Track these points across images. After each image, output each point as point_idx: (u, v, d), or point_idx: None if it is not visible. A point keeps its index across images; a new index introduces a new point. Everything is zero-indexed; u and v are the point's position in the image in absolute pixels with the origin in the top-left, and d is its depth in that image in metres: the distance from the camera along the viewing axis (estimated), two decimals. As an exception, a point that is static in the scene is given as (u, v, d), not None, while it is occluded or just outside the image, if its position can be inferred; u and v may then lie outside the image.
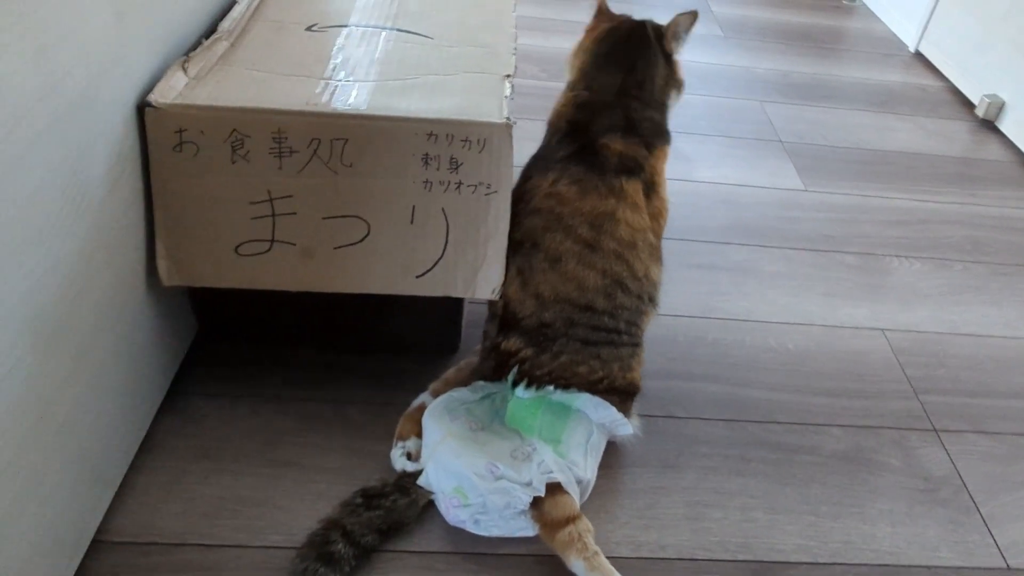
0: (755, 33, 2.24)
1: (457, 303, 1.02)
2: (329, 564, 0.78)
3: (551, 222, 0.88)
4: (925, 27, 2.19)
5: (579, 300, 0.87)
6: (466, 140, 0.84)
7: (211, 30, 0.99)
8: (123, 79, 0.79)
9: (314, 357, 1.04)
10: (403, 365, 1.02)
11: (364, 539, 0.81)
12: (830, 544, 0.89)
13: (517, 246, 0.88)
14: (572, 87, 0.98)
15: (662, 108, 0.98)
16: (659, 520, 0.89)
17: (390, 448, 0.92)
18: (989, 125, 1.88)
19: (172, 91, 0.84)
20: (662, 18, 1.02)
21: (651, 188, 0.93)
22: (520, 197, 0.90)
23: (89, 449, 0.78)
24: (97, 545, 0.80)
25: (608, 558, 0.82)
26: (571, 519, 0.81)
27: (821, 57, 2.15)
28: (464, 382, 0.95)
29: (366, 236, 0.88)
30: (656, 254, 0.93)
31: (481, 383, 0.95)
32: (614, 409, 0.89)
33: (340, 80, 0.91)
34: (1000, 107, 1.86)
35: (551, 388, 0.89)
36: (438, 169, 0.85)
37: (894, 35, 2.34)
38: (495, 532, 0.84)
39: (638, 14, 1.03)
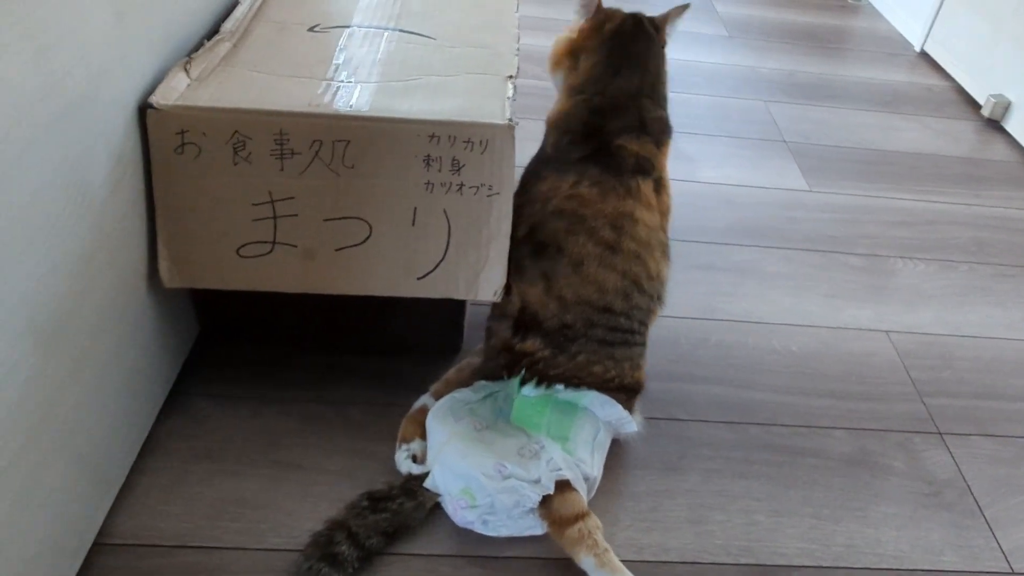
0: (760, 33, 2.23)
1: (459, 304, 1.02)
2: (333, 565, 0.78)
3: (574, 224, 0.87)
4: (931, 26, 2.18)
5: (599, 302, 0.87)
6: (468, 141, 0.84)
7: (213, 31, 0.98)
8: (124, 80, 0.79)
9: (316, 358, 1.04)
10: (405, 366, 1.02)
11: (369, 542, 0.81)
12: (833, 548, 0.89)
13: (542, 249, 0.88)
14: (581, 90, 0.96)
15: (666, 102, 0.99)
16: (661, 523, 0.89)
17: (392, 450, 0.92)
18: (995, 125, 1.87)
19: (174, 92, 0.84)
20: (656, 12, 1.02)
21: (660, 186, 0.94)
22: (537, 197, 0.90)
23: (90, 450, 0.78)
24: (98, 547, 0.80)
25: (611, 562, 0.83)
26: (580, 516, 0.82)
27: (826, 57, 2.14)
28: (465, 382, 0.95)
29: (368, 238, 0.87)
30: (666, 252, 0.94)
31: (483, 382, 0.94)
32: (620, 407, 0.90)
33: (342, 81, 0.91)
34: (1006, 107, 1.85)
35: (560, 387, 0.89)
36: (440, 170, 0.85)
37: (900, 34, 2.33)
38: (504, 532, 0.84)
39: (635, 7, 1.03)
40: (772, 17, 2.36)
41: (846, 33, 2.33)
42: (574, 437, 0.88)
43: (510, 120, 0.85)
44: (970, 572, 0.89)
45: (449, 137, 0.84)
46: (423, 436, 0.92)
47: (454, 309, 1.02)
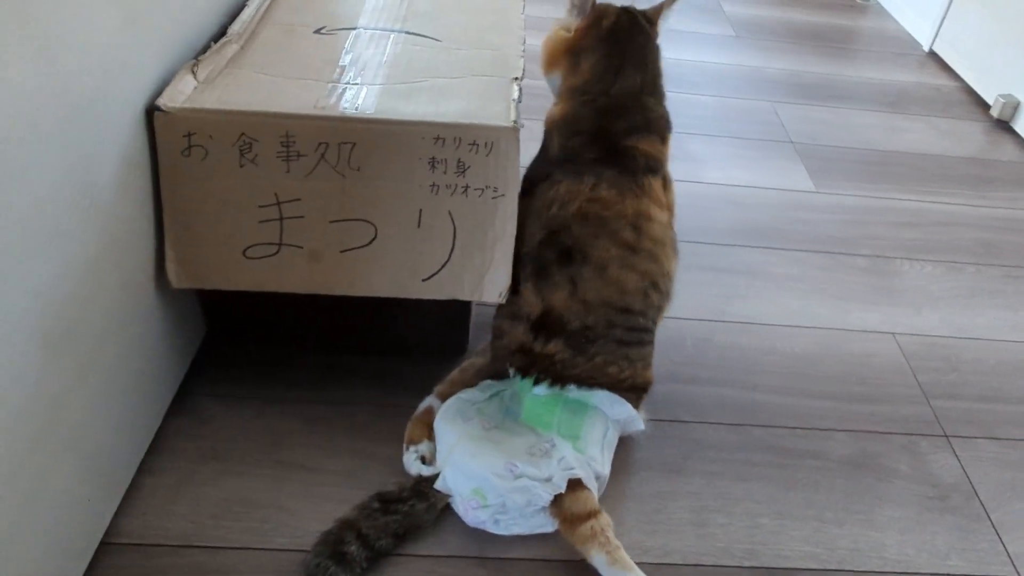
0: (767, 33, 2.23)
1: (464, 305, 1.02)
2: (341, 564, 0.79)
3: (598, 228, 0.88)
4: (940, 26, 2.17)
5: (619, 303, 0.88)
6: (473, 144, 0.84)
7: (221, 33, 0.99)
8: (132, 83, 0.80)
9: (321, 359, 1.04)
10: (410, 367, 1.02)
11: (379, 543, 0.81)
12: (837, 551, 0.89)
13: (568, 256, 0.87)
14: (584, 91, 0.95)
15: (664, 97, 0.99)
16: (665, 525, 0.89)
17: (396, 451, 0.92)
18: (1004, 125, 1.86)
19: (181, 95, 0.84)
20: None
21: (667, 182, 0.95)
22: (554, 200, 0.89)
23: (98, 450, 0.78)
24: (105, 546, 0.81)
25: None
26: (592, 514, 0.82)
27: (834, 57, 2.14)
28: (469, 383, 0.95)
29: (373, 239, 0.88)
30: (676, 248, 0.95)
31: (489, 381, 0.95)
32: (630, 406, 0.91)
33: (348, 83, 0.92)
34: (1015, 107, 1.84)
35: (572, 387, 0.90)
36: (445, 172, 0.85)
37: (908, 34, 2.32)
38: (515, 530, 0.84)
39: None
40: (779, 17, 2.35)
41: (854, 33, 2.32)
42: (585, 436, 0.89)
43: (515, 122, 0.85)
44: (975, 576, 0.89)
45: (454, 139, 0.84)
46: (430, 437, 0.92)
47: (459, 310, 1.03)
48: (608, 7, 0.99)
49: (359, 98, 0.88)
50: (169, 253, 0.87)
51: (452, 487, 0.85)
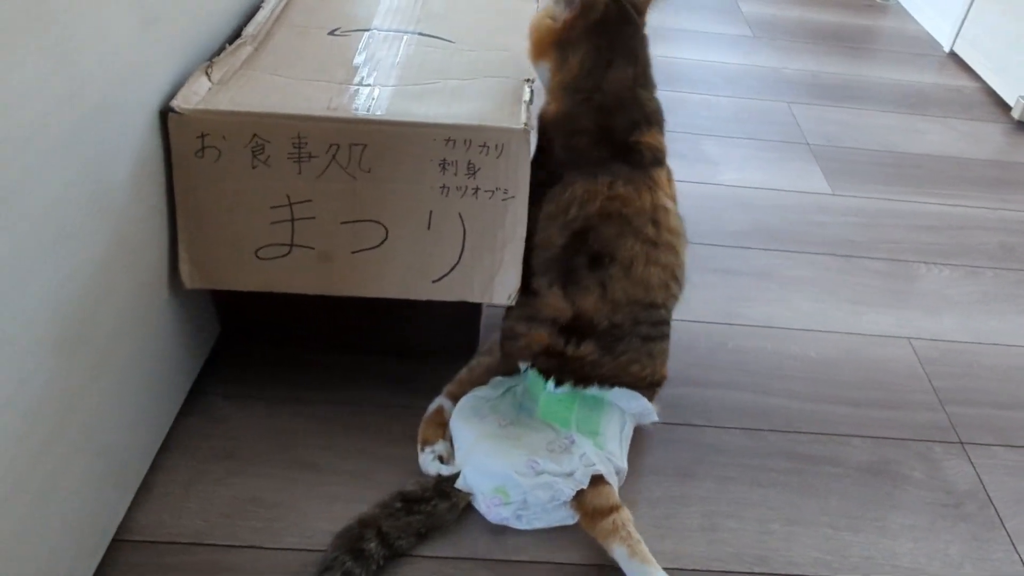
0: (785, 33, 2.21)
1: (475, 306, 1.02)
2: (358, 560, 0.79)
3: (622, 227, 0.88)
4: (960, 26, 2.14)
5: (645, 299, 0.89)
6: (484, 145, 0.84)
7: (235, 35, 0.99)
8: (147, 85, 0.80)
9: (333, 360, 1.05)
10: (421, 368, 1.02)
11: (398, 542, 0.82)
12: (849, 558, 0.88)
13: (597, 260, 0.87)
14: (576, 88, 0.92)
15: (655, 88, 0.96)
16: (675, 530, 0.89)
17: (407, 451, 0.92)
18: (1025, 127, 1.83)
19: (195, 96, 0.85)
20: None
21: (669, 173, 0.96)
22: (571, 202, 0.88)
23: (111, 448, 0.79)
24: (117, 543, 0.81)
25: (618, 569, 0.82)
26: (613, 508, 0.84)
27: (852, 57, 2.11)
28: (478, 382, 0.96)
29: (384, 241, 0.88)
30: (686, 237, 0.95)
31: (499, 378, 0.96)
32: (645, 400, 0.92)
33: (361, 85, 0.92)
34: (1037, 109, 1.81)
35: (594, 387, 0.90)
36: (455, 174, 0.85)
37: (928, 34, 2.30)
38: (537, 524, 0.86)
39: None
40: (798, 17, 2.33)
41: (873, 33, 2.30)
42: (604, 432, 0.90)
43: (525, 124, 0.85)
44: (990, 585, 0.88)
45: (465, 141, 0.84)
46: (445, 437, 0.92)
47: (469, 311, 1.02)
48: None
49: (371, 99, 0.89)
50: (182, 254, 0.87)
51: (473, 486, 0.86)
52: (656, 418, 0.94)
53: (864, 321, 1.22)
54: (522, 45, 1.05)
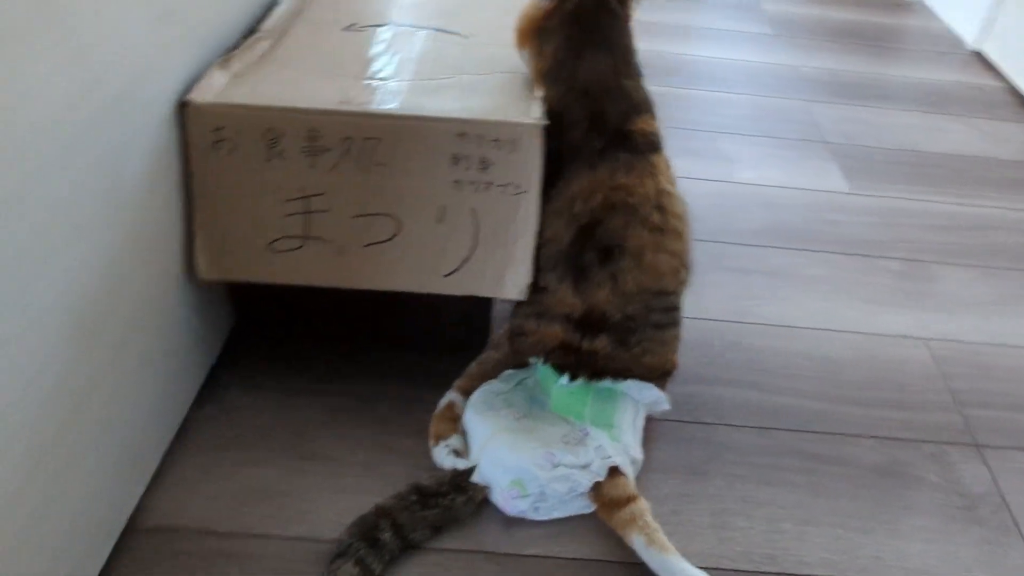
0: (805, 31, 2.19)
1: (487, 301, 1.02)
2: (373, 547, 0.80)
3: (629, 217, 0.87)
4: (986, 24, 2.11)
5: (655, 287, 0.88)
6: (496, 140, 0.85)
7: (253, 30, 1.00)
8: (164, 78, 0.81)
9: (346, 352, 1.05)
10: (432, 362, 1.03)
11: (413, 535, 0.83)
12: (859, 559, 0.87)
13: (608, 254, 0.87)
14: (554, 78, 0.92)
15: (643, 78, 0.96)
16: (684, 527, 0.88)
17: (417, 444, 0.93)
18: (1050, 128, 1.80)
19: (211, 90, 0.86)
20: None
21: (667, 160, 0.95)
22: (577, 195, 0.88)
23: (126, 436, 0.80)
24: (131, 530, 0.83)
25: (628, 564, 0.83)
26: (630, 499, 0.85)
27: (874, 56, 2.09)
28: (488, 376, 0.96)
29: (396, 234, 0.88)
30: (689, 219, 0.95)
31: (509, 372, 0.96)
32: (657, 389, 0.92)
33: (376, 80, 0.92)
34: (1062, 109, 1.78)
35: (607, 380, 0.90)
36: (468, 169, 0.86)
37: (952, 33, 2.27)
38: (555, 515, 0.87)
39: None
40: (819, 15, 2.31)
41: (896, 31, 2.27)
42: (618, 423, 0.90)
43: (538, 119, 0.85)
44: (1003, 589, 0.86)
45: (478, 136, 0.84)
46: (457, 431, 0.93)
47: (481, 306, 1.03)
48: None
49: (386, 94, 0.89)
50: (197, 245, 0.88)
51: (490, 479, 0.86)
52: (667, 406, 0.94)
53: (879, 321, 1.21)
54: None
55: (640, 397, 0.93)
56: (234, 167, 0.86)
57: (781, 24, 2.22)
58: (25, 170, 0.60)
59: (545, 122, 0.85)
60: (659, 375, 0.93)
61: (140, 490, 0.85)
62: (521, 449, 0.87)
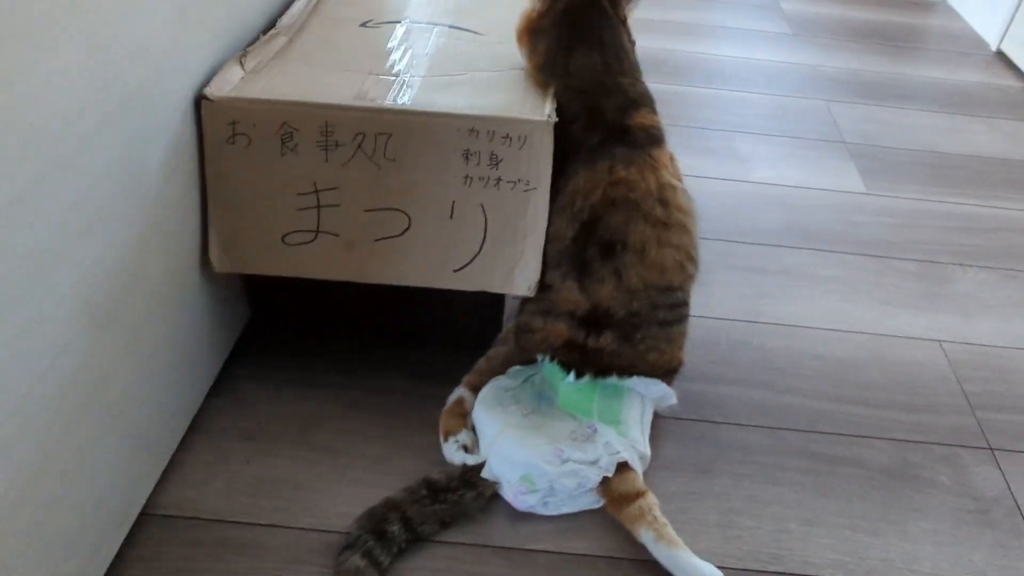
0: (826, 31, 2.17)
1: (498, 296, 1.02)
2: (381, 540, 0.81)
3: (630, 212, 0.88)
4: (1009, 24, 2.08)
5: (660, 282, 0.89)
6: (507, 136, 0.85)
7: (270, 26, 1.02)
8: (182, 74, 0.83)
9: (358, 347, 1.06)
10: (443, 357, 1.04)
11: (422, 528, 0.83)
12: (867, 560, 0.87)
13: (609, 249, 0.87)
14: (550, 73, 0.93)
15: (640, 73, 0.97)
16: (690, 525, 0.88)
17: (426, 439, 0.93)
18: (1073, 129, 1.78)
19: (228, 84, 0.87)
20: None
21: (671, 155, 0.96)
22: (577, 192, 0.89)
23: (141, 426, 0.82)
24: (145, 517, 0.84)
25: (636, 561, 0.83)
26: (639, 494, 0.85)
27: (895, 56, 2.07)
28: (496, 371, 0.97)
29: (406, 229, 0.89)
30: (695, 213, 0.95)
31: (517, 368, 0.97)
32: (664, 384, 0.93)
33: (390, 76, 0.93)
34: (1087, 110, 1.76)
35: (613, 377, 0.91)
36: (478, 165, 0.86)
37: (975, 33, 2.24)
38: (564, 510, 0.87)
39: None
40: (840, 15, 2.29)
41: (918, 31, 2.25)
42: (625, 419, 0.91)
43: (549, 116, 0.85)
44: (1014, 594, 0.86)
45: (488, 132, 0.85)
46: (466, 427, 0.93)
47: (493, 302, 1.03)
48: None
49: (399, 90, 0.90)
50: (212, 238, 0.90)
51: (499, 475, 0.87)
52: (675, 401, 0.94)
53: (894, 322, 1.20)
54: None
55: (647, 392, 0.93)
56: (249, 161, 0.87)
57: (801, 23, 2.20)
58: (46, 162, 0.62)
59: (555, 119, 0.86)
60: (665, 372, 0.93)
61: (154, 479, 0.87)
62: (530, 445, 0.87)
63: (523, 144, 0.85)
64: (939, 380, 1.11)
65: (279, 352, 1.05)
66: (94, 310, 0.70)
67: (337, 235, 0.89)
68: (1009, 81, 1.98)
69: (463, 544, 0.85)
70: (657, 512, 0.84)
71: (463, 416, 0.95)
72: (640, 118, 0.91)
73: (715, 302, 1.19)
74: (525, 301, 0.94)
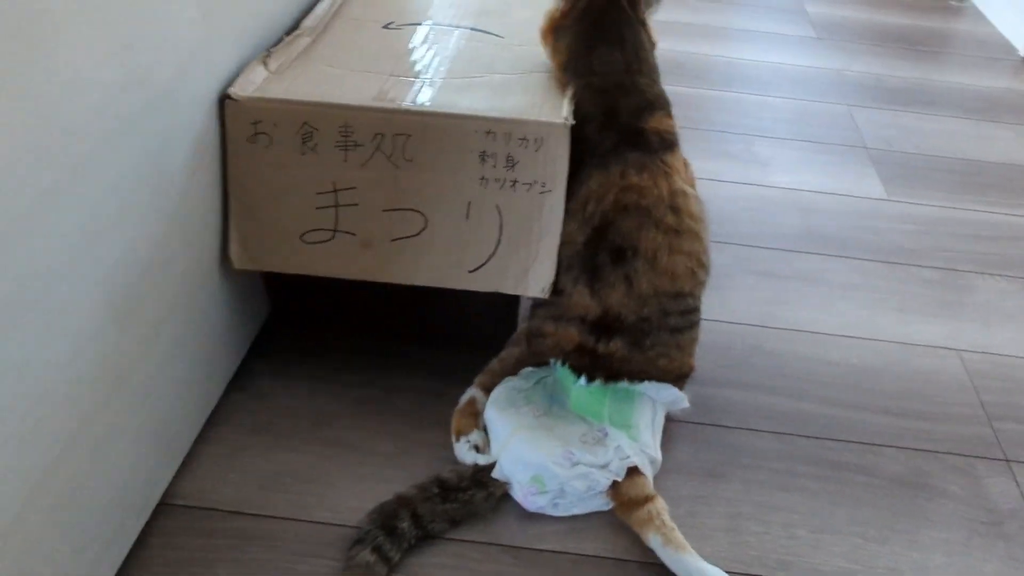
0: (851, 35, 2.15)
1: (514, 297, 1.03)
2: (391, 536, 0.82)
3: (642, 218, 0.88)
4: (1039, 30, 2.05)
5: (671, 289, 0.89)
6: (523, 139, 0.86)
7: (295, 27, 1.03)
8: (207, 73, 0.84)
9: (374, 345, 1.08)
10: (456, 357, 1.04)
11: (432, 525, 0.85)
12: (876, 569, 0.86)
13: (620, 254, 0.88)
14: (575, 72, 0.94)
15: (658, 75, 0.98)
16: (698, 530, 0.89)
17: (438, 437, 0.95)
18: (1103, 137, 1.75)
19: (251, 84, 0.89)
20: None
21: (685, 160, 0.96)
22: (590, 196, 0.89)
23: (160, 418, 0.84)
24: (163, 507, 0.86)
25: (643, 563, 0.84)
26: (648, 499, 0.86)
27: (920, 60, 2.05)
28: (508, 372, 0.97)
29: (423, 230, 0.90)
30: (707, 220, 0.95)
31: (529, 369, 0.97)
32: (675, 389, 0.93)
33: (410, 77, 0.94)
34: (1116, 118, 1.73)
35: (624, 382, 0.91)
36: (495, 166, 0.87)
37: (1004, 38, 2.21)
38: (573, 511, 0.88)
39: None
40: (865, 19, 2.27)
41: (945, 36, 2.22)
42: (636, 423, 0.91)
43: (566, 119, 0.86)
44: (1025, 608, 0.85)
45: (505, 134, 0.86)
46: (478, 427, 0.94)
47: (508, 302, 1.04)
48: None
49: (419, 91, 0.91)
50: (232, 235, 0.91)
51: (510, 475, 0.88)
52: (687, 404, 0.95)
53: (911, 330, 1.19)
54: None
55: (659, 397, 0.93)
56: (270, 160, 0.88)
57: (825, 27, 2.19)
58: (73, 158, 0.63)
59: (572, 122, 0.86)
60: (676, 378, 0.94)
61: (172, 470, 0.89)
62: (541, 447, 0.88)
63: (539, 146, 0.86)
64: (956, 389, 1.10)
65: (296, 348, 1.07)
66: (117, 304, 0.72)
67: (354, 234, 0.91)
68: (1037, 88, 1.95)
69: (472, 542, 0.86)
70: (666, 516, 0.85)
71: (475, 416, 0.96)
72: (655, 122, 0.92)
73: (731, 306, 1.19)
74: (536, 305, 0.95)
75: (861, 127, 1.71)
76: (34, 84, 0.58)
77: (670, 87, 0.98)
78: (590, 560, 0.85)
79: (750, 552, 0.87)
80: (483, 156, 0.87)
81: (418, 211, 0.90)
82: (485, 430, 0.94)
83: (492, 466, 0.89)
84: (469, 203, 0.89)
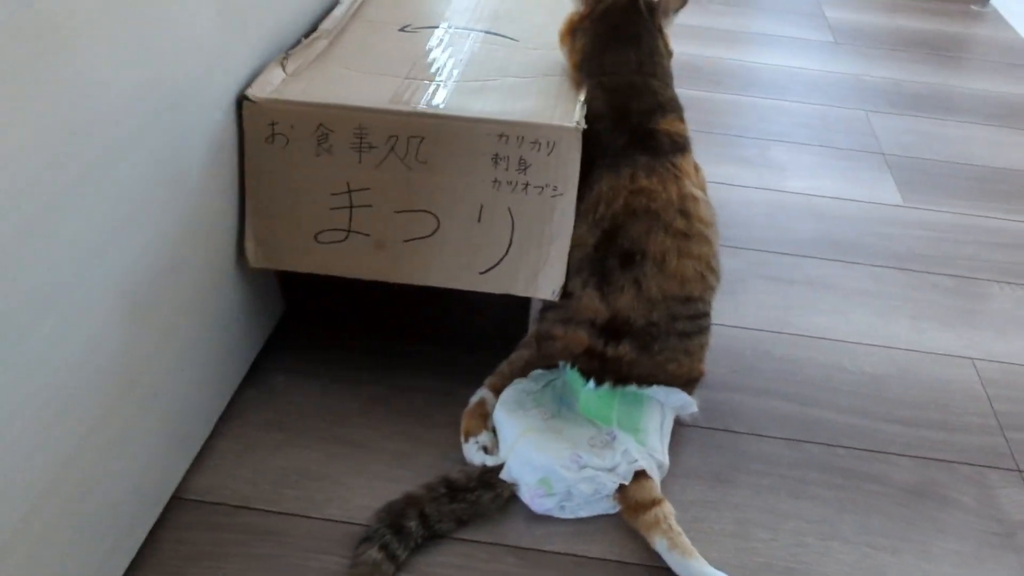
0: (870, 40, 2.14)
1: (525, 298, 1.04)
2: (398, 535, 0.83)
3: (651, 222, 0.89)
4: (1062, 36, 2.03)
5: (681, 293, 0.89)
6: (535, 142, 0.86)
7: (313, 29, 1.05)
8: (225, 75, 0.86)
9: (386, 345, 1.09)
10: (467, 357, 1.05)
11: (439, 525, 0.85)
12: (884, 578, 0.86)
13: (629, 258, 0.88)
14: (589, 72, 0.96)
15: (671, 79, 0.99)
16: (705, 534, 0.89)
17: (448, 437, 0.95)
18: (1126, 146, 1.72)
19: (269, 86, 0.90)
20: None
21: (696, 164, 0.96)
22: (600, 199, 0.90)
23: (175, 414, 0.85)
24: (176, 500, 0.87)
25: (649, 567, 0.84)
26: (656, 503, 0.86)
27: (940, 66, 2.03)
28: (518, 374, 0.98)
29: (435, 231, 0.91)
30: (717, 225, 0.96)
31: (539, 371, 0.98)
32: (684, 393, 0.93)
33: (425, 80, 0.95)
34: None
35: (632, 386, 0.92)
36: (507, 169, 0.88)
37: (1026, 44, 2.18)
38: (580, 514, 0.88)
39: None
40: (885, 24, 2.25)
41: (966, 41, 2.20)
42: (645, 427, 0.91)
43: (577, 123, 0.87)
44: (1036, 620, 0.84)
45: (517, 137, 0.86)
46: (487, 428, 0.95)
47: (519, 304, 1.04)
48: None
49: (433, 94, 0.92)
50: (248, 233, 0.93)
51: (517, 477, 0.88)
52: (695, 409, 0.95)
53: (925, 338, 1.18)
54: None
55: (667, 401, 0.93)
56: (286, 161, 0.89)
57: (844, 32, 2.17)
58: (93, 156, 0.65)
59: (584, 126, 0.87)
60: (685, 382, 0.94)
61: (185, 465, 0.90)
62: (549, 449, 0.88)
63: (551, 150, 0.86)
64: (969, 398, 1.09)
65: (310, 347, 1.08)
66: (133, 301, 0.73)
67: (368, 235, 0.92)
68: (1060, 95, 1.93)
69: (479, 542, 0.86)
70: (672, 521, 0.85)
71: (484, 417, 0.96)
72: (667, 124, 0.92)
73: (743, 311, 1.19)
74: (546, 308, 0.95)
75: (878, 133, 1.70)
76: (54, 87, 0.60)
77: (686, 90, 0.98)
78: (596, 563, 0.85)
79: (757, 559, 0.87)
80: (496, 159, 0.87)
81: (431, 213, 0.90)
82: (494, 431, 0.95)
83: (500, 467, 0.89)
84: (481, 205, 0.89)
